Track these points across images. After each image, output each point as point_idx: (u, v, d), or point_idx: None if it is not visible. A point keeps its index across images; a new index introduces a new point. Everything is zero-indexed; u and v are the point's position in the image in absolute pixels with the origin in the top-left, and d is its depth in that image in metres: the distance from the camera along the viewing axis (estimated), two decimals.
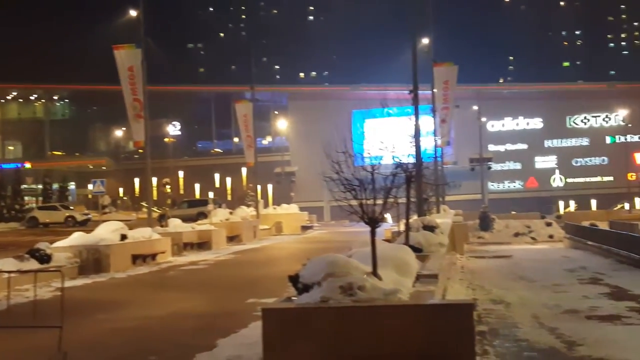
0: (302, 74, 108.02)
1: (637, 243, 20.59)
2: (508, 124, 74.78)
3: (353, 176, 8.06)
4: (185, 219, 31.21)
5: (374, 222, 7.91)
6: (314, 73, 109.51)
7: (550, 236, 37.10)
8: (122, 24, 33.93)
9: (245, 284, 16.18)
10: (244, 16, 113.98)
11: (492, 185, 71.49)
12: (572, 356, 8.05)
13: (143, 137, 26.30)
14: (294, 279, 7.10)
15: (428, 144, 35.41)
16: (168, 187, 57.96)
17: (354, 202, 8.06)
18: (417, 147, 19.71)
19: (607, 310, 11.69)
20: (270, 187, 66.09)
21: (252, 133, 41.59)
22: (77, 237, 20.01)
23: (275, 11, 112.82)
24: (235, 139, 70.48)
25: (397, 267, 8.59)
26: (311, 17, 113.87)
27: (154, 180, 32.99)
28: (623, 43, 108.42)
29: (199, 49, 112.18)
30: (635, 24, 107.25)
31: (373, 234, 7.95)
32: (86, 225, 41.50)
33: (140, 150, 31.09)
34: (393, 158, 11.10)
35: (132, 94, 26.24)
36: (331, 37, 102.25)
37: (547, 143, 74.01)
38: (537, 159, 74.22)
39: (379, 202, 8.39)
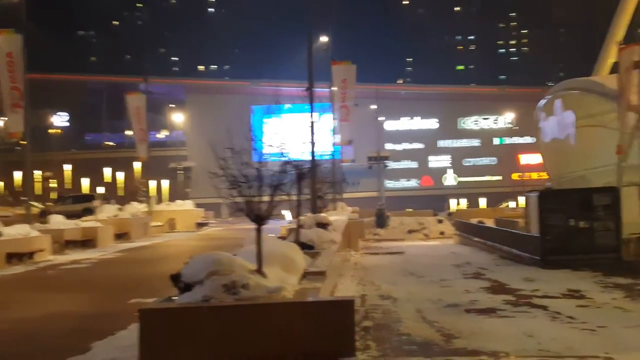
0: (201, 67, 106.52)
1: (517, 239, 21.77)
2: (405, 123, 76.96)
3: (239, 172, 8.04)
4: (70, 216, 30.03)
5: (260, 219, 7.95)
6: (214, 66, 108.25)
7: (442, 233, 38.46)
8: (1, 7, 32.16)
9: (129, 283, 15.79)
10: (140, 4, 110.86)
11: (390, 183, 73.34)
12: (448, 348, 8.42)
13: (22, 127, 25.14)
14: (175, 278, 7.02)
15: (328, 141, 35.97)
16: (52, 181, 55.40)
17: (242, 199, 8.09)
18: (312, 144, 19.98)
19: (485, 304, 12.29)
20: (165, 182, 64.74)
21: (145, 126, 40.60)
22: None
23: (173, 1, 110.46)
24: (128, 132, 68.49)
25: (284, 264, 8.69)
26: (212, 10, 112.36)
27: (38, 173, 31.54)
28: (512, 50, 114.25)
29: (90, 37, 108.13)
30: (524, 31, 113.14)
31: (259, 231, 8.00)
32: None
33: (23, 142, 29.67)
34: (284, 155, 11.17)
35: (10, 82, 24.99)
36: (232, 31, 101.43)
37: (441, 143, 76.77)
38: (432, 158, 76.83)
39: (267, 199, 8.44)
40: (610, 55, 49.33)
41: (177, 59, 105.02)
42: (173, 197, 56.57)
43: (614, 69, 33.01)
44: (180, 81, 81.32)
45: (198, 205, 46.56)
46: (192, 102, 75.44)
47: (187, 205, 45.08)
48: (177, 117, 74.53)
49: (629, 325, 10.05)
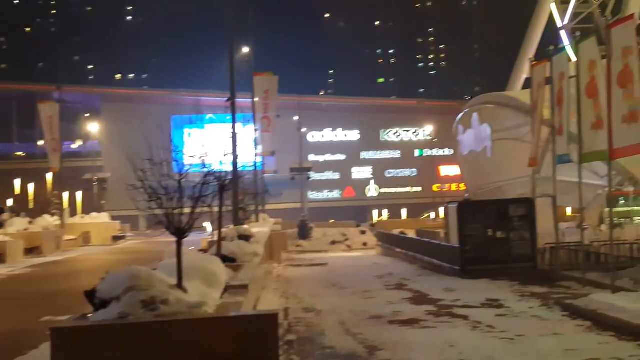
0: (118, 76, 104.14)
1: (438, 250, 22.27)
2: (327, 135, 77.56)
3: (159, 184, 7.84)
4: None
5: (180, 232, 7.77)
6: (131, 75, 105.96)
7: (365, 244, 38.94)
8: None
9: (41, 300, 15.14)
10: (54, 11, 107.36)
11: (312, 195, 73.56)
12: None
13: None
14: (90, 295, 6.73)
15: (251, 152, 35.77)
16: None
17: (161, 212, 7.90)
18: (234, 155, 19.76)
19: (408, 315, 12.47)
20: (79, 194, 62.60)
21: (58, 136, 39.22)
22: None
23: (89, 8, 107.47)
24: (41, 142, 65.92)
25: (205, 278, 8.50)
26: (130, 17, 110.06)
27: None
28: (431, 64, 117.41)
29: (1, 43, 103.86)
30: (441, 46, 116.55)
31: (179, 244, 7.81)
32: None
33: None
34: (206, 166, 11.01)
35: None
36: (151, 39, 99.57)
37: (363, 154, 77.78)
38: (354, 169, 77.69)
39: (188, 211, 8.27)
40: (524, 70, 51.50)
41: (92, 67, 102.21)
42: (88, 209, 54.71)
43: (527, 84, 34.45)
44: (95, 90, 79.02)
45: (114, 218, 45.30)
46: (109, 112, 73.45)
47: (103, 217, 43.79)
48: (93, 127, 72.38)
49: (545, 334, 10.41)
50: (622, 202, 34.28)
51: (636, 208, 34.29)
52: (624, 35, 13.05)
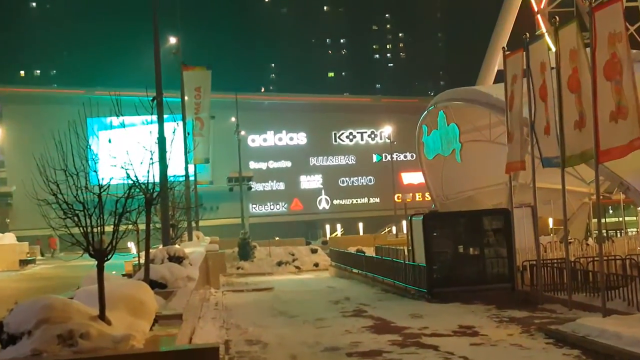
0: (22, 72, 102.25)
1: (401, 270, 22.39)
2: (270, 138, 77.51)
3: (75, 198, 7.73)
4: None
5: (101, 254, 7.66)
6: (37, 71, 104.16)
7: (316, 264, 39.07)
8: None
9: None
10: None
11: (254, 208, 73.34)
12: None
13: None
14: None
15: (182, 160, 35.45)
16: None
17: (79, 230, 7.80)
18: (163, 163, 19.48)
19: (369, 346, 12.49)
20: None
21: None
22: None
23: None
24: None
25: (132, 307, 8.40)
26: (34, 4, 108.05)
27: None
28: (389, 55, 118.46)
29: None
30: (401, 35, 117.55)
31: (101, 269, 7.71)
32: None
33: None
34: (129, 177, 10.87)
35: None
36: (61, 30, 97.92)
37: (313, 161, 77.99)
38: (302, 178, 77.81)
39: (110, 229, 8.16)
40: (495, 62, 52.59)
41: None
42: None
43: (500, 77, 35.08)
44: None
45: (21, 239, 44.23)
46: (11, 115, 71.85)
47: (8, 238, 42.71)
48: None
49: None
50: (611, 212, 34.99)
51: (628, 218, 34.86)
52: (610, 20, 13.27)
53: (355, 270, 29.27)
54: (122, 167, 11.37)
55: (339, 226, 65.77)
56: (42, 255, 49.80)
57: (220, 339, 13.35)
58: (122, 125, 13.70)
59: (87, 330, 6.65)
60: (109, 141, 12.99)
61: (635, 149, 13.13)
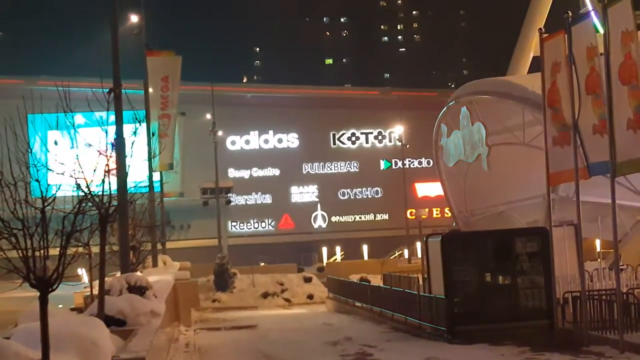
0: None
1: (415, 303, 22.39)
2: (254, 140, 77.49)
3: (13, 214, 7.76)
4: None
5: (45, 284, 7.69)
6: None
7: (310, 296, 39.06)
8: None
9: None
10: None
11: (234, 227, 73.35)
12: None
13: None
14: None
15: (142, 167, 35.46)
16: None
17: (17, 254, 7.83)
18: (121, 171, 19.50)
19: None
20: None
21: None
22: None
23: None
24: None
25: (82, 349, 8.49)
26: None
27: None
28: (400, 37, 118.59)
29: None
30: (414, 12, 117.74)
31: (44, 301, 7.73)
32: None
33: None
34: (79, 188, 10.90)
35: None
36: None
37: (306, 168, 78.01)
38: (294, 189, 77.78)
39: (55, 252, 8.19)
40: (530, 46, 52.81)
41: None
42: None
43: (536, 65, 35.21)
44: None
45: None
46: None
47: None
48: None
49: None
50: None
51: None
52: None
53: (358, 304, 29.28)
54: (71, 176, 11.41)
55: (338, 249, 65.85)
56: None
57: None
58: (72, 124, 13.72)
59: None
60: (55, 143, 12.99)
61: None
